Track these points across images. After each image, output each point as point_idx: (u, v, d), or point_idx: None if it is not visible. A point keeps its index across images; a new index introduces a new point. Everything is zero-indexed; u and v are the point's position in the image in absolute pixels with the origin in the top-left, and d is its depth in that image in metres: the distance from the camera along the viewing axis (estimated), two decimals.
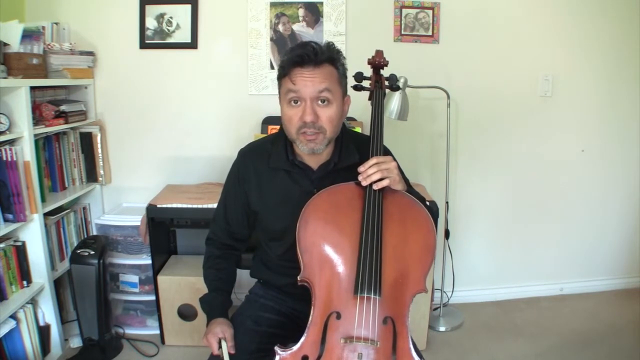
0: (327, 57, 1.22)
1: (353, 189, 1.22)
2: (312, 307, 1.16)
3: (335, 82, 1.24)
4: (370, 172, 1.17)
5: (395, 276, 1.16)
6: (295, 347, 1.15)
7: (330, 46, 1.25)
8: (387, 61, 1.37)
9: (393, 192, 1.22)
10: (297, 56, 1.20)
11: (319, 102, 1.22)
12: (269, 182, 1.35)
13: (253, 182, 1.36)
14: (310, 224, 1.19)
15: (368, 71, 1.41)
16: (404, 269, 1.18)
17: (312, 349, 1.13)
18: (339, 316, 1.14)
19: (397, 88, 1.42)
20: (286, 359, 1.14)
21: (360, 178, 1.19)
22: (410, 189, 1.31)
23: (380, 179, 1.17)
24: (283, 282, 1.41)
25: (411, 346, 1.15)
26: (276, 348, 1.15)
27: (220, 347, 1.26)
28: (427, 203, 1.33)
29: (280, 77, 1.26)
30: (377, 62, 1.37)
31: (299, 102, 1.22)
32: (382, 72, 1.40)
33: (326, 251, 1.18)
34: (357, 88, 1.38)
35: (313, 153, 1.27)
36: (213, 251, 1.46)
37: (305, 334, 1.15)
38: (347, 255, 1.16)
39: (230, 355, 1.26)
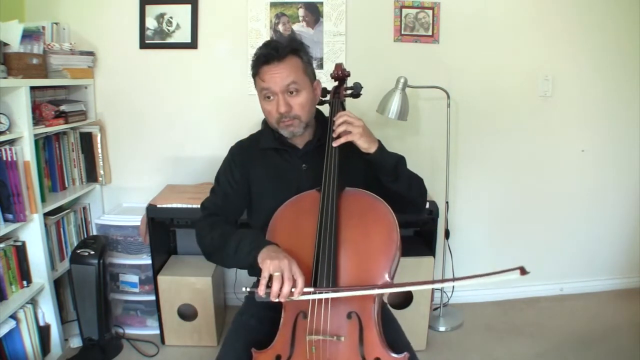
0: (290, 50, 1.32)
1: (314, 196, 1.30)
2: (282, 310, 1.23)
3: (301, 72, 1.34)
4: (339, 120, 1.28)
5: (355, 271, 1.21)
6: (268, 348, 1.21)
7: (292, 39, 1.40)
8: (349, 72, 1.50)
9: (353, 191, 1.31)
10: (262, 56, 1.32)
11: (289, 93, 1.32)
12: (260, 164, 1.44)
13: (251, 167, 1.45)
14: (276, 234, 1.28)
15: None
16: (365, 264, 1.23)
17: (284, 349, 1.19)
18: (305, 315, 1.20)
19: (359, 95, 1.55)
20: None
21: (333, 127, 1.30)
22: (382, 147, 1.34)
23: (344, 135, 1.27)
24: None
25: (380, 338, 1.17)
26: (252, 350, 1.22)
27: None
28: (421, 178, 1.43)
29: (254, 76, 1.37)
30: (339, 75, 1.49)
31: (271, 97, 1.33)
32: (346, 82, 1.52)
33: (291, 257, 1.23)
34: (318, 103, 1.50)
35: (294, 136, 1.38)
36: (216, 218, 1.40)
37: (277, 335, 1.22)
38: (308, 257, 1.21)
39: (234, 356, 1.27)
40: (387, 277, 1.20)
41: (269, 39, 2.50)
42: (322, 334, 1.16)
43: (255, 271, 1.52)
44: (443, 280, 1.04)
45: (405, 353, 1.16)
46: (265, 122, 1.48)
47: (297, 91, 1.32)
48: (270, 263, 1.11)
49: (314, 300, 1.17)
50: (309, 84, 1.37)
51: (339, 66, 1.49)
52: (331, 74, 1.50)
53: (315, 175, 1.35)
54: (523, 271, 1.03)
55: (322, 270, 1.18)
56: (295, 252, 1.23)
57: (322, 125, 1.45)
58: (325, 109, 1.50)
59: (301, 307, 1.20)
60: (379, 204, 1.27)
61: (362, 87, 1.52)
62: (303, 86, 1.33)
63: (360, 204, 1.28)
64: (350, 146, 1.30)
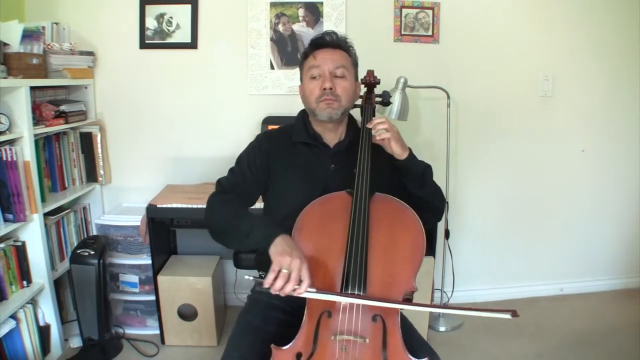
0: (343, 44, 1.44)
1: (344, 197, 1.31)
2: (306, 307, 1.22)
3: (349, 63, 1.44)
4: (378, 120, 1.33)
5: (383, 275, 1.22)
6: (290, 345, 1.19)
7: (345, 38, 1.46)
8: (379, 79, 1.52)
9: (383, 197, 1.32)
10: (320, 38, 1.43)
11: (336, 75, 1.40)
12: (287, 156, 1.46)
13: (278, 158, 1.45)
14: (303, 231, 1.27)
15: (360, 76, 1.53)
16: (393, 269, 1.23)
17: (306, 347, 1.18)
18: (329, 315, 1.19)
19: (388, 103, 1.61)
20: (281, 357, 1.18)
21: (370, 125, 1.34)
22: (412, 154, 1.37)
23: (385, 131, 1.32)
24: None
25: (402, 343, 1.18)
26: (272, 347, 1.20)
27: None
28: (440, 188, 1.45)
29: (303, 60, 1.46)
30: (370, 81, 1.52)
31: (318, 77, 1.40)
32: (375, 89, 1.54)
33: (318, 256, 1.23)
34: None
35: (330, 120, 1.40)
36: (229, 196, 1.38)
37: (299, 333, 1.20)
38: (337, 258, 1.22)
39: (239, 356, 1.26)
40: (413, 284, 1.22)
41: (268, 38, 2.51)
42: (351, 334, 1.16)
43: (263, 265, 1.51)
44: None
45: (426, 359, 1.17)
46: (298, 115, 1.52)
47: (344, 77, 1.40)
48: (282, 259, 1.12)
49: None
50: (353, 78, 1.45)
51: (370, 73, 1.51)
52: (361, 79, 1.52)
53: (342, 177, 1.37)
54: (515, 314, 1.08)
55: (353, 274, 1.18)
56: (322, 252, 1.23)
57: (352, 129, 1.49)
58: (354, 113, 1.53)
59: (327, 306, 1.19)
60: (409, 212, 1.29)
61: (390, 96, 1.58)
62: (349, 75, 1.42)
63: (390, 211, 1.30)
64: (378, 152, 1.33)
